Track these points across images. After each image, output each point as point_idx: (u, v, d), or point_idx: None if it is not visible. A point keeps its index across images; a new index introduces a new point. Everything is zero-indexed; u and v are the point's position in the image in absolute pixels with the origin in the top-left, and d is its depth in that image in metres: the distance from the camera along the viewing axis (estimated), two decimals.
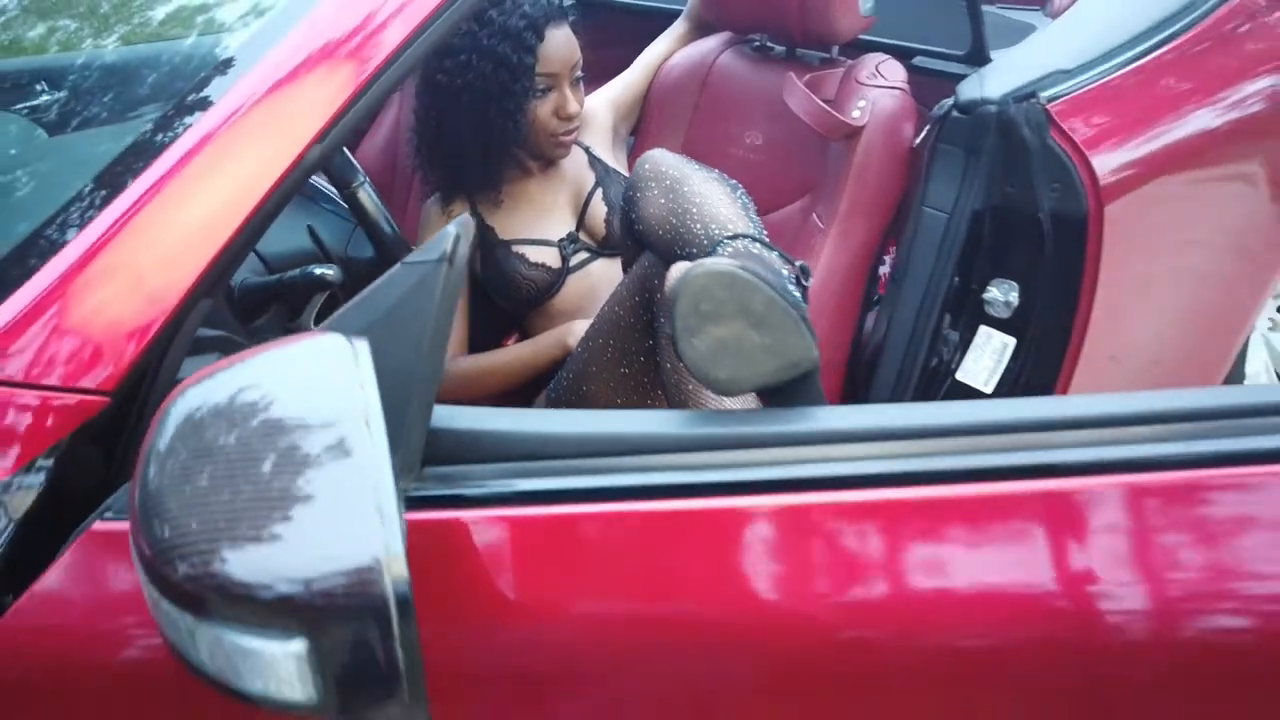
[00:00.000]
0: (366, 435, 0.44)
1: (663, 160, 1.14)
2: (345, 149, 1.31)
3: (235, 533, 0.43)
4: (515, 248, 1.47)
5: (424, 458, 0.61)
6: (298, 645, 0.42)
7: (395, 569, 0.42)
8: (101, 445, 0.66)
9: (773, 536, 0.64)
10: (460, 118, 1.40)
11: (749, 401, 1.04)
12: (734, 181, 1.13)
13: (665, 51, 1.72)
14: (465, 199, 1.49)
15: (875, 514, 0.65)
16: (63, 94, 0.98)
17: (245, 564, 0.43)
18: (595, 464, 0.65)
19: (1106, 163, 1.30)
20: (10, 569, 0.62)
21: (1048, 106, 1.29)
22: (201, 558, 0.43)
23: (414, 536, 0.56)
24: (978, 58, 1.61)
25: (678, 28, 1.76)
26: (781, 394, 0.76)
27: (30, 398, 0.63)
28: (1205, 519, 0.66)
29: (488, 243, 1.48)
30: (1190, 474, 0.66)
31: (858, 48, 1.60)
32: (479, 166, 1.45)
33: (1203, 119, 1.41)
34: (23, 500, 0.61)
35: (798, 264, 0.98)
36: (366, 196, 1.30)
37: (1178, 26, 1.45)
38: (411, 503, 0.60)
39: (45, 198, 0.77)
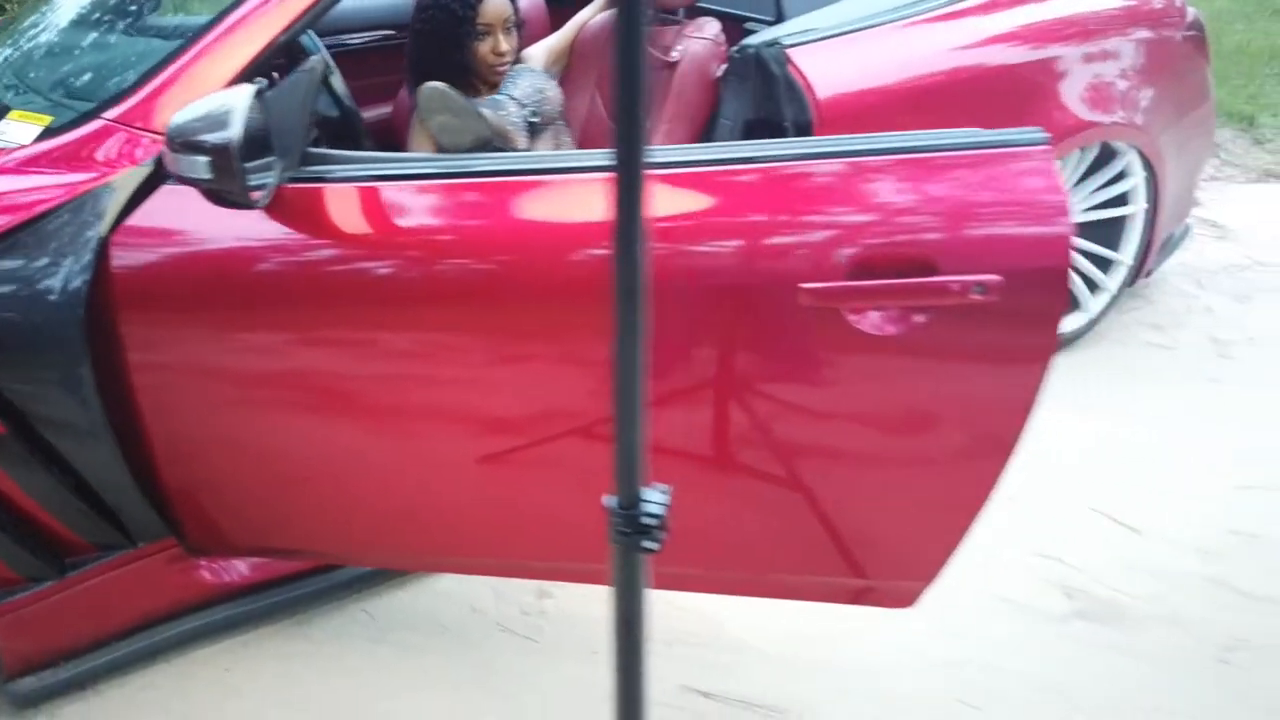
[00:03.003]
0: (241, 105, 1.24)
1: None
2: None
3: (199, 132, 1.26)
4: None
5: (302, 160, 1.39)
6: (205, 159, 1.24)
7: (235, 135, 1.23)
8: None
9: (503, 198, 1.41)
10: (428, 51, 2.19)
11: None
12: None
13: (588, 15, 2.47)
14: None
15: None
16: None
17: (202, 138, 1.26)
18: (396, 167, 1.43)
19: (827, 88, 1.98)
20: (128, 207, 1.43)
21: (787, 50, 1.98)
22: (186, 140, 1.25)
23: (295, 197, 1.35)
24: (780, 21, 2.30)
25: None
26: None
27: (150, 140, 1.45)
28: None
29: None
30: None
31: (702, 14, 2.31)
32: None
33: (902, 71, 2.07)
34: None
35: (527, 109, 1.76)
36: (338, 81, 2.12)
37: (908, 12, 2.12)
38: (294, 180, 1.38)
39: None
